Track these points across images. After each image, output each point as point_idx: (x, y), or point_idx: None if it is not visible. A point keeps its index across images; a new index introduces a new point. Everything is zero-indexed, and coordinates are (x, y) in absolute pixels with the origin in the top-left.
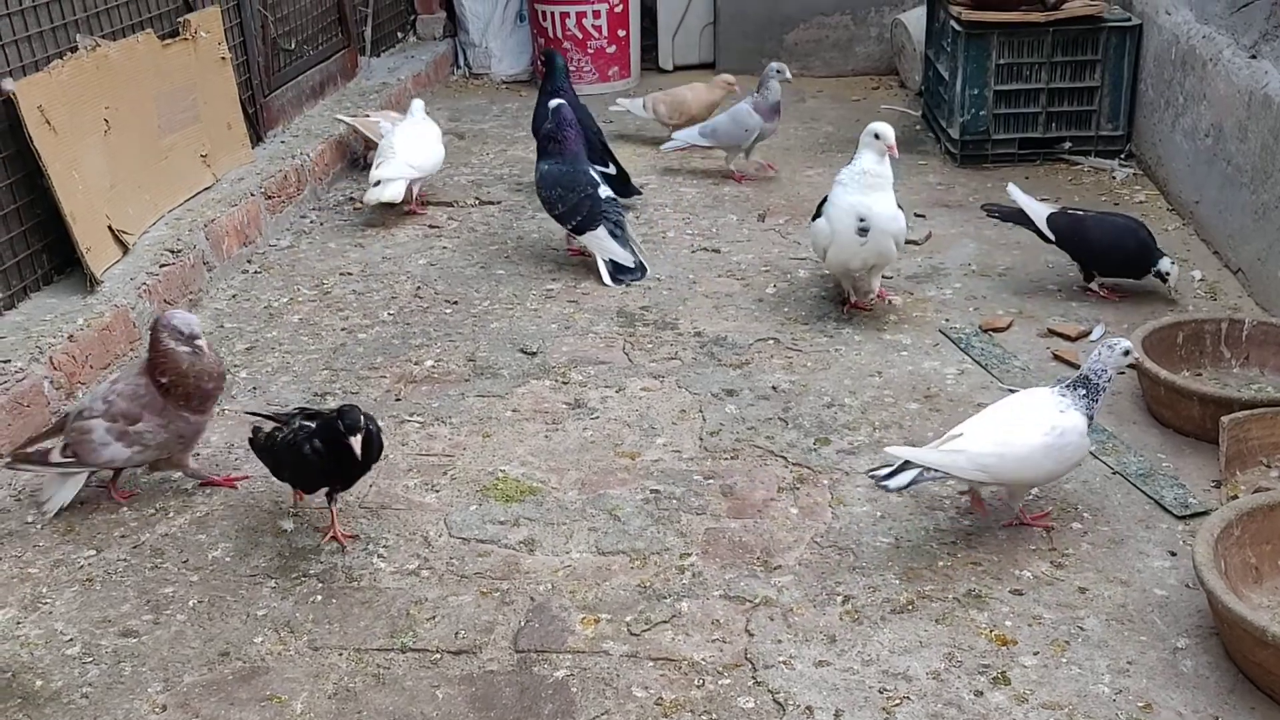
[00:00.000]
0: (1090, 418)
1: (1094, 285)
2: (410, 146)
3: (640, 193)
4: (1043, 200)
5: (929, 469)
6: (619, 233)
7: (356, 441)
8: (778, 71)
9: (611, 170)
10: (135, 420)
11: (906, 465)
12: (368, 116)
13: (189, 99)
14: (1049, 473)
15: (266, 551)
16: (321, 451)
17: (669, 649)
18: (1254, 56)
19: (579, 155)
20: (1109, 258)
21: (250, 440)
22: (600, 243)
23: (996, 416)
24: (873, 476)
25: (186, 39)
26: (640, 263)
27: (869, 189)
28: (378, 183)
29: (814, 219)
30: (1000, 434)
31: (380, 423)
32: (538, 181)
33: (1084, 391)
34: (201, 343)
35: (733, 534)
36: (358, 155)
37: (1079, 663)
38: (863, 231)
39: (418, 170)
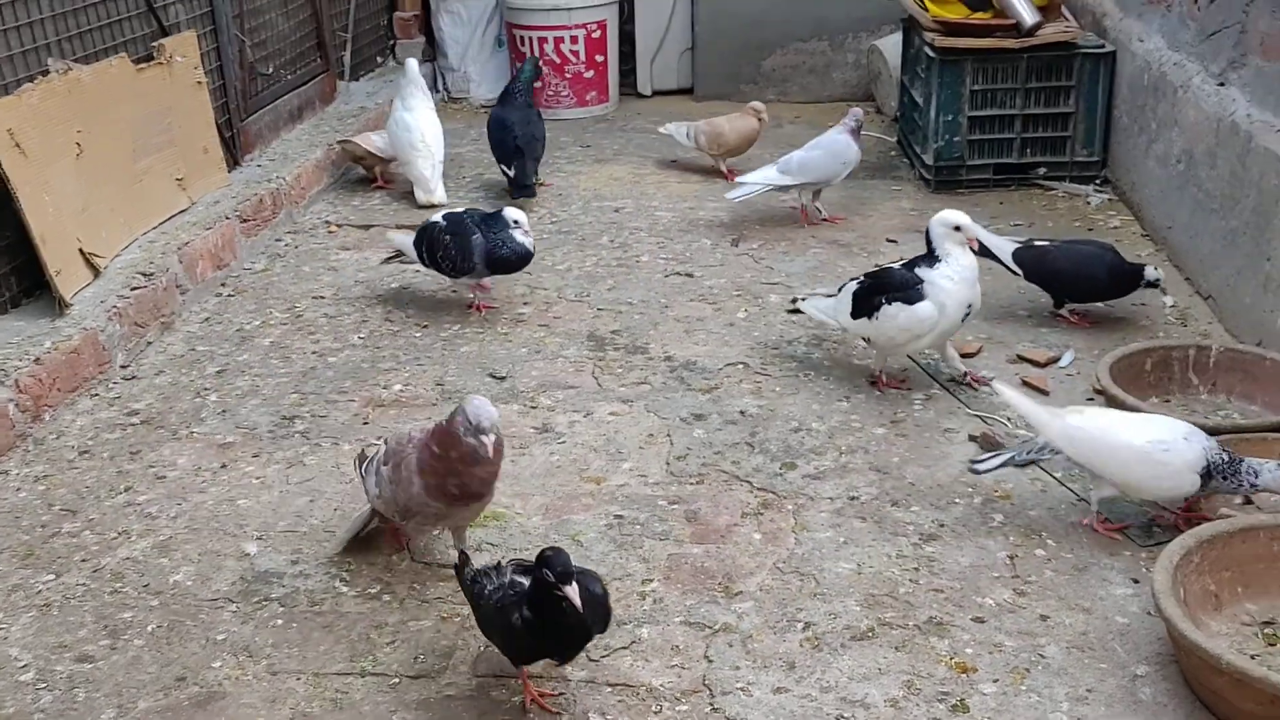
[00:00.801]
0: (1208, 475)
1: (1064, 311)
2: (436, 137)
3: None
4: (1014, 227)
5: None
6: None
7: (573, 592)
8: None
9: (512, 172)
10: (393, 463)
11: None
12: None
13: (164, 122)
14: (1134, 479)
15: (229, 575)
16: (532, 622)
17: (627, 675)
18: (1222, 84)
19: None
20: (1078, 287)
21: (456, 571)
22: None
23: (1131, 416)
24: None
25: (161, 63)
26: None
27: (974, 283)
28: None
29: (866, 313)
30: (1108, 422)
31: (346, 446)
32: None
33: (1228, 466)
34: (488, 440)
35: (695, 560)
36: (368, 174)
37: (1038, 690)
38: (965, 317)
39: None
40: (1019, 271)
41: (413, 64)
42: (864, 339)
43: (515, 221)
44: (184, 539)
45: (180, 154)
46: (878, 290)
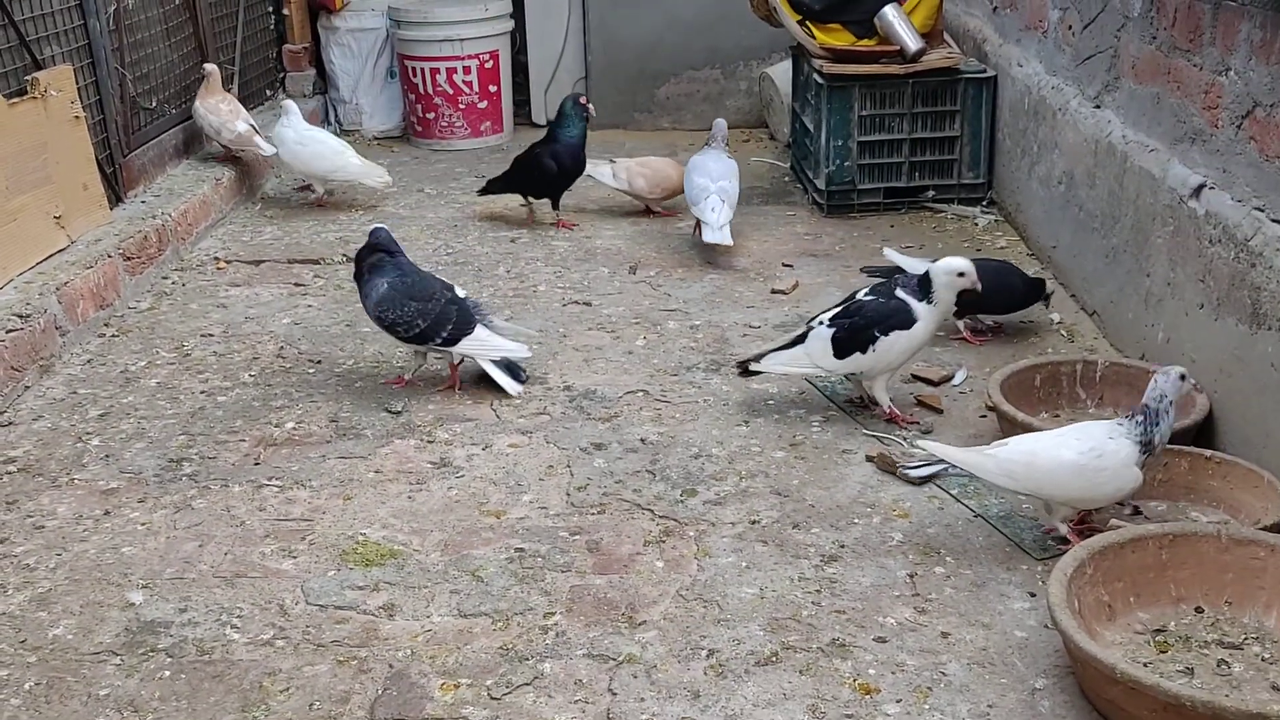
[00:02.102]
0: (1147, 445)
1: (961, 325)
2: None
3: None
4: (906, 249)
5: (954, 466)
6: (492, 323)
7: None
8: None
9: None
10: None
11: (934, 460)
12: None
13: (39, 159)
14: (1080, 492)
15: (112, 627)
16: None
17: (530, 712)
18: (1098, 106)
19: (413, 265)
20: (998, 299)
21: None
22: (485, 344)
23: (1047, 434)
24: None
25: (36, 97)
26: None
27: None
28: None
29: (859, 349)
30: (1034, 445)
31: (237, 488)
32: (378, 306)
33: (1141, 419)
34: None
35: (598, 591)
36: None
37: (941, 708)
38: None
39: None
40: None
41: (290, 103)
42: (850, 374)
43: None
44: (64, 590)
45: (58, 191)
46: (867, 326)
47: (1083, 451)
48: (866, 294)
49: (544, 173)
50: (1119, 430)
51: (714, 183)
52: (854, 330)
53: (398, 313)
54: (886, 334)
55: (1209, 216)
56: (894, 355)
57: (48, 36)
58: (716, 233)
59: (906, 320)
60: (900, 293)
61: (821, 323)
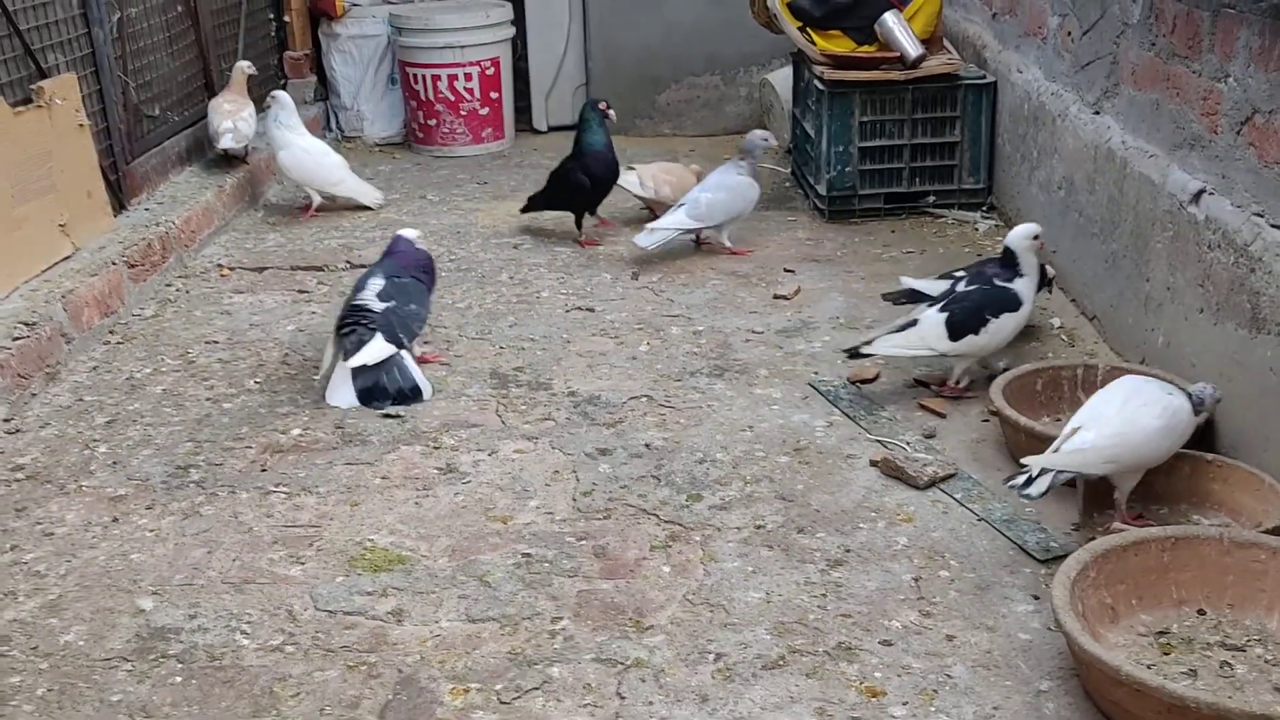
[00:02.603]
0: (1199, 404)
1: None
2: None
3: None
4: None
5: (1062, 472)
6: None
7: None
8: (764, 139)
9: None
10: None
11: (1043, 472)
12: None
13: (44, 167)
14: (1166, 452)
15: (123, 633)
16: None
17: (540, 716)
18: (1097, 112)
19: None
20: None
21: None
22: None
23: (1109, 408)
24: (1011, 486)
25: (40, 106)
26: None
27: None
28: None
29: (972, 331)
30: (1119, 424)
31: (244, 495)
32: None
33: (1185, 394)
34: None
35: (605, 595)
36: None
37: (947, 711)
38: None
39: None
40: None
41: (284, 95)
42: (956, 354)
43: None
44: (74, 597)
45: (62, 199)
46: (979, 310)
47: (1160, 414)
48: (968, 285)
49: (578, 188)
50: (1169, 386)
51: (700, 192)
52: (967, 314)
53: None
54: (997, 316)
55: (1208, 222)
56: (1004, 336)
57: (52, 45)
58: (643, 234)
59: (1015, 303)
60: (998, 280)
61: (931, 306)
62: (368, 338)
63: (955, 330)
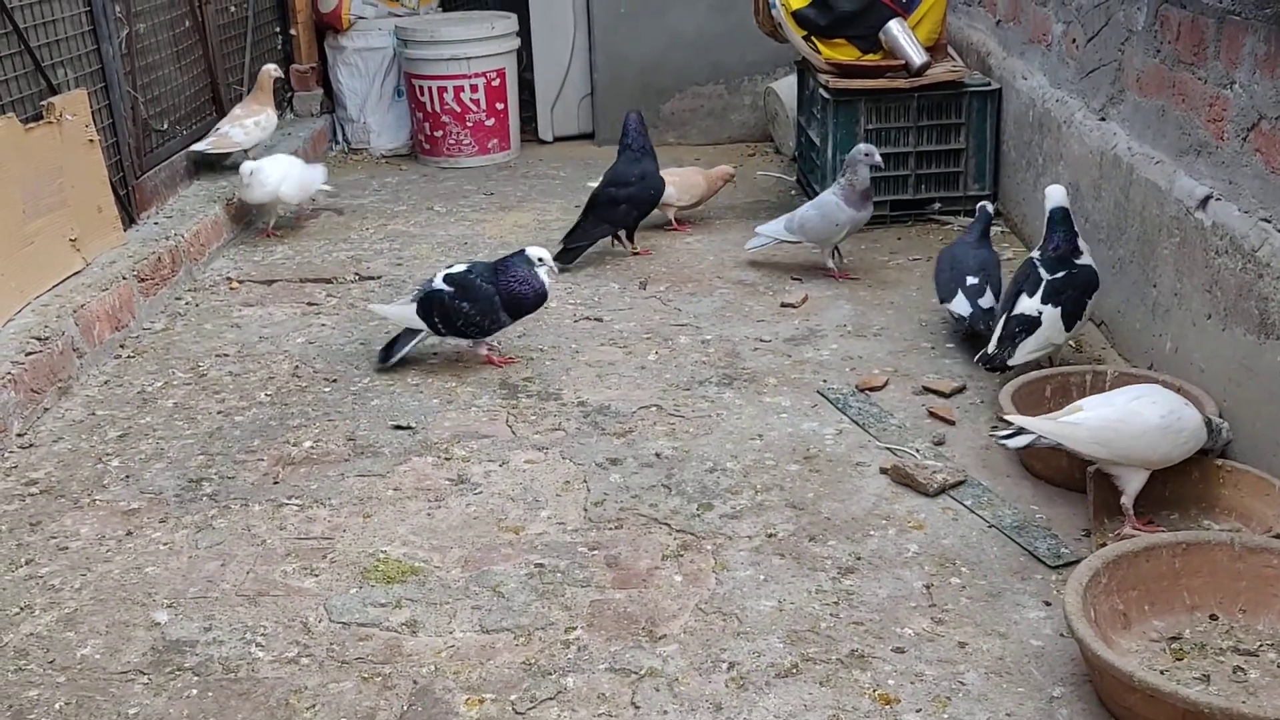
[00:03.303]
0: (1212, 432)
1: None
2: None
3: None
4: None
5: (1043, 437)
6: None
7: None
8: (865, 155)
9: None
10: None
11: (1023, 430)
12: (220, 135)
13: (55, 183)
14: (1164, 455)
15: (139, 646)
16: None
17: None
18: (1103, 119)
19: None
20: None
21: None
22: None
23: (1118, 398)
24: (993, 436)
25: (51, 122)
26: None
27: None
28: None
29: (1079, 316)
30: (1119, 410)
31: (257, 507)
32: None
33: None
34: None
35: (618, 605)
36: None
37: (960, 718)
38: None
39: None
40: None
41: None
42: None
43: (540, 259)
44: (90, 611)
45: (73, 214)
46: (1081, 296)
47: (1165, 415)
48: (1050, 276)
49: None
50: (1187, 401)
51: (804, 208)
52: (1075, 303)
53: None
54: (1090, 296)
55: (1216, 228)
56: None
57: (62, 62)
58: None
59: (1096, 280)
60: (1075, 259)
61: (1040, 311)
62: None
63: (1070, 321)
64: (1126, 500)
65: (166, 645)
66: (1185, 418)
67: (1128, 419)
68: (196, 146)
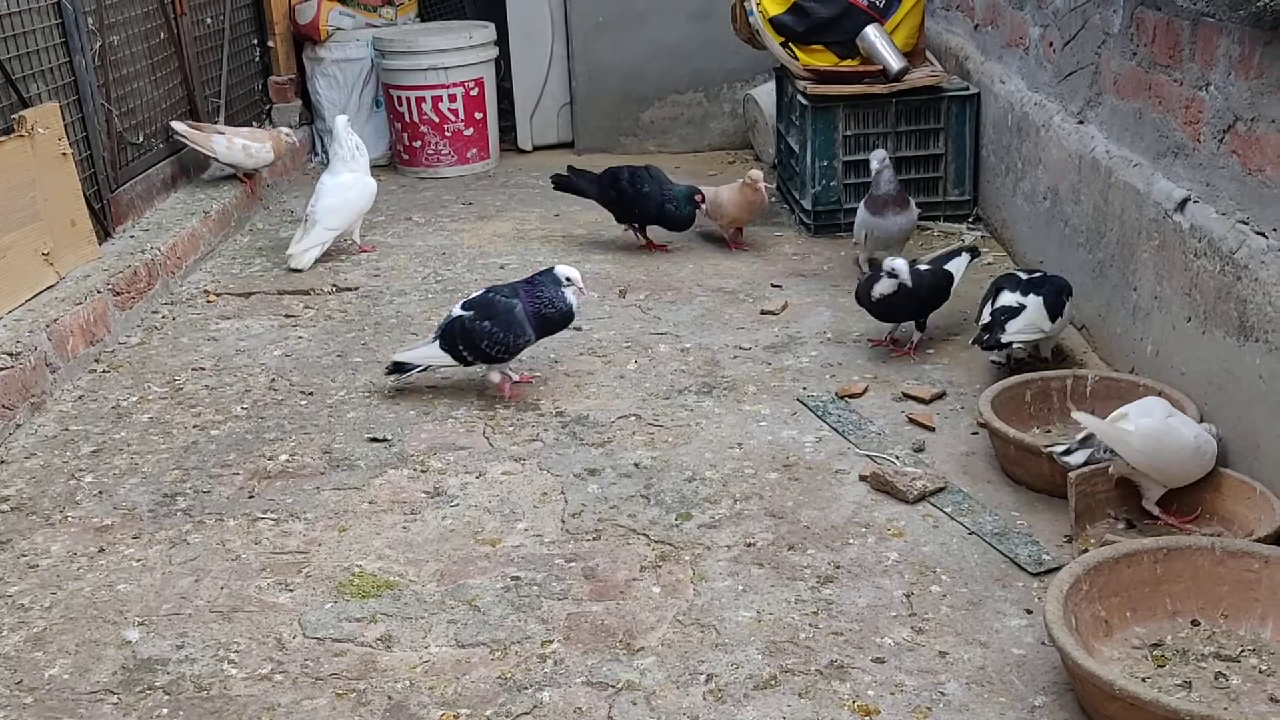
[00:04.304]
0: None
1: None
2: (328, 212)
3: None
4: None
5: (1102, 454)
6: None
7: None
8: (880, 160)
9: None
10: None
11: (1085, 443)
12: (201, 131)
13: (27, 196)
14: (1189, 475)
15: (109, 665)
16: None
17: None
18: (1081, 122)
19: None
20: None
21: None
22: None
23: (1155, 412)
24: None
25: (23, 135)
26: None
27: None
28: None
29: (1062, 311)
30: (1161, 427)
31: (232, 522)
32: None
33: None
34: None
35: (595, 617)
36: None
37: None
38: None
39: (337, 230)
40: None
41: (342, 121)
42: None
43: (568, 279)
44: (60, 630)
45: (46, 228)
46: (1060, 293)
47: (1195, 434)
48: (1027, 275)
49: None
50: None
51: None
52: (1054, 296)
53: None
54: (1067, 297)
55: (1194, 230)
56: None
57: (33, 74)
58: None
59: (1069, 285)
60: (1043, 270)
61: (1022, 302)
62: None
63: (1054, 311)
64: (1150, 504)
65: (137, 664)
66: (1208, 442)
67: (1169, 435)
68: (177, 124)
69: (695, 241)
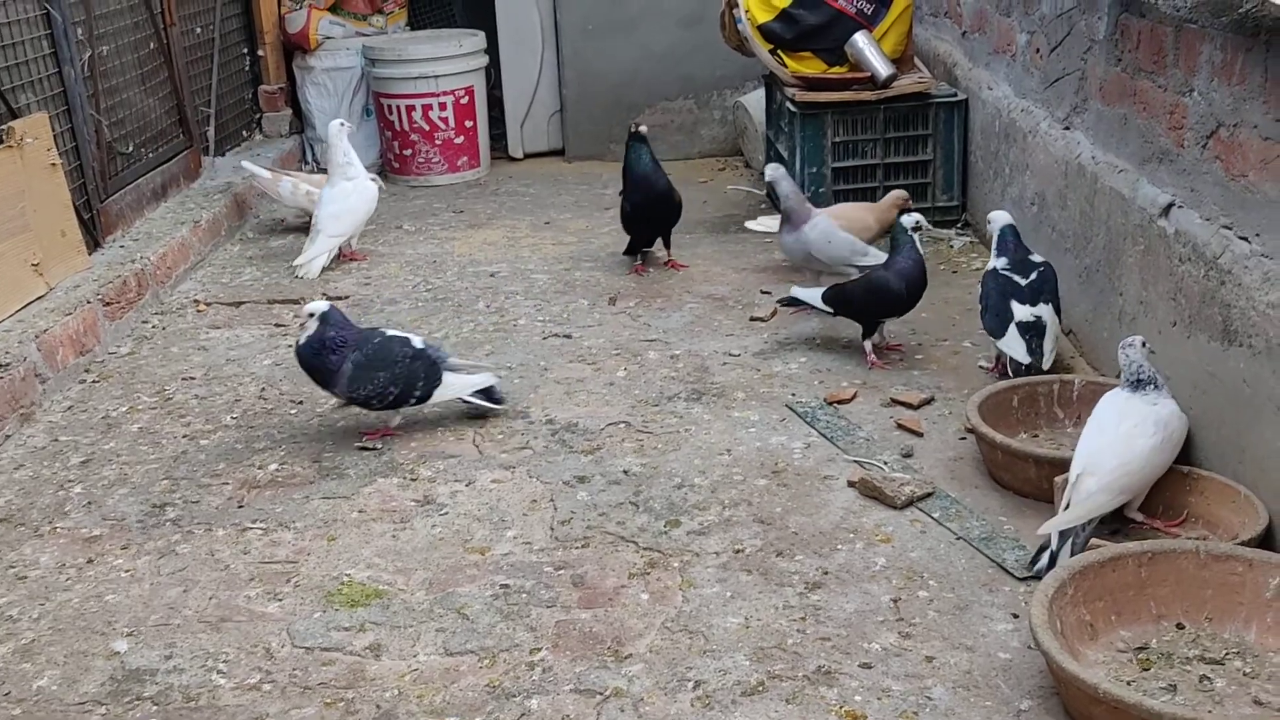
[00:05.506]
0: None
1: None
2: (331, 220)
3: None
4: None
5: (1084, 527)
6: (453, 364)
7: None
8: (772, 172)
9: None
10: None
11: (1064, 536)
12: (271, 173)
13: (17, 207)
14: (1167, 462)
15: (97, 676)
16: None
17: None
18: (1067, 128)
19: (363, 331)
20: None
21: None
22: (455, 386)
23: (1102, 439)
24: (1036, 571)
25: (11, 146)
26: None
27: None
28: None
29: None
30: (1118, 456)
31: (221, 531)
32: (349, 385)
33: (1152, 384)
34: None
35: (583, 625)
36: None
37: None
38: None
39: (342, 236)
40: (831, 310)
41: (335, 126)
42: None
43: (310, 314)
44: (48, 641)
45: (36, 238)
46: (1056, 286)
47: (1154, 432)
48: (1025, 279)
49: (624, 217)
50: (1151, 397)
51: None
52: (1055, 295)
53: (368, 389)
54: (1056, 278)
55: (1178, 235)
56: None
57: (23, 85)
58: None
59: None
60: (1031, 259)
61: (1038, 314)
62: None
63: (1059, 313)
64: (1133, 511)
65: (126, 675)
66: (1167, 419)
67: (1129, 458)
68: (247, 164)
69: (684, 249)
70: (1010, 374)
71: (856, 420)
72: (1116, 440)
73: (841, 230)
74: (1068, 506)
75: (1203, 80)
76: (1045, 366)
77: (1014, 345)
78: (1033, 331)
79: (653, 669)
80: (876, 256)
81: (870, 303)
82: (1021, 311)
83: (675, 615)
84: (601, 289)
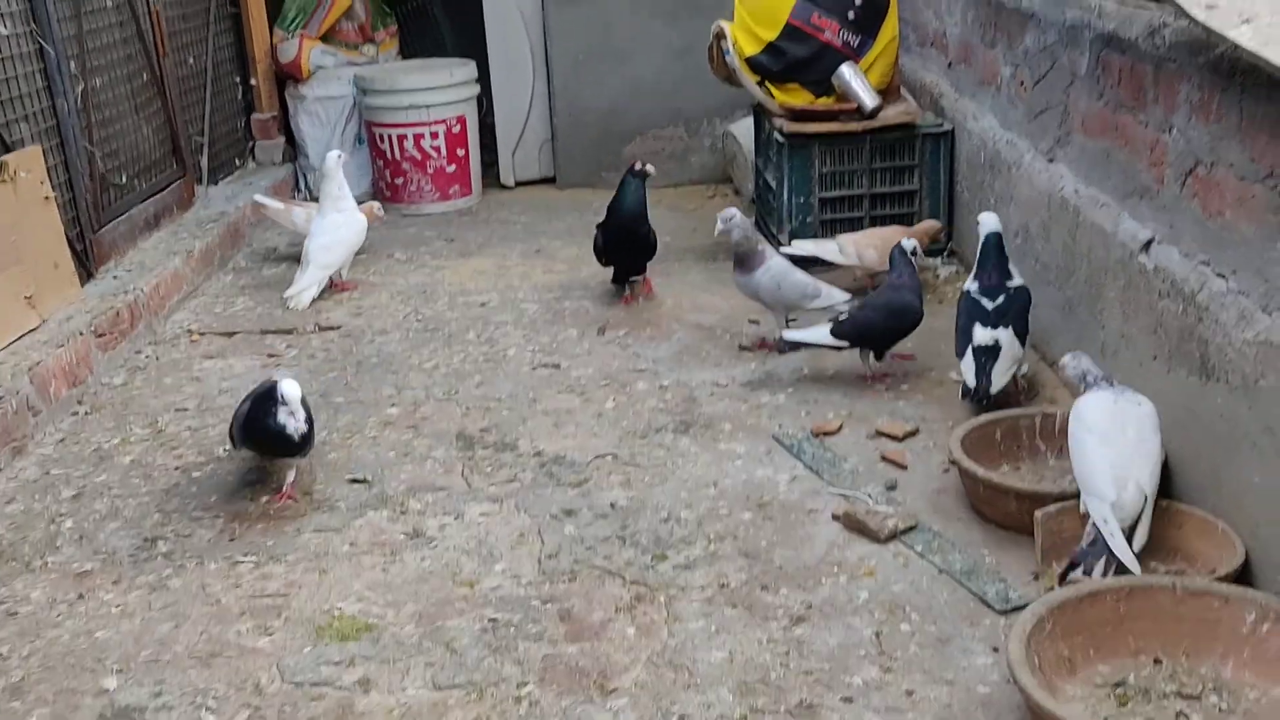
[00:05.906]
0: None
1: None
2: (321, 251)
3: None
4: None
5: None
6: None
7: None
8: (725, 220)
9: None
10: None
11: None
12: (285, 204)
13: (10, 240)
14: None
15: (86, 715)
16: None
17: None
18: (1051, 160)
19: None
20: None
21: None
22: None
23: (1113, 453)
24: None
25: (5, 180)
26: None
27: None
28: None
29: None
30: (1139, 465)
31: (212, 565)
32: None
33: (1109, 381)
34: None
35: (570, 659)
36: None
37: None
38: None
39: (332, 267)
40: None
41: (332, 157)
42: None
43: (283, 396)
44: (37, 679)
45: (28, 271)
46: (1026, 311)
47: (1156, 429)
48: (993, 304)
49: (595, 247)
50: (1131, 396)
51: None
52: (1020, 320)
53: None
54: (1029, 312)
55: (1158, 271)
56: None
57: (16, 119)
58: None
59: (1030, 296)
60: (1008, 283)
61: (996, 338)
62: None
63: (1021, 339)
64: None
65: (115, 713)
66: (1153, 414)
67: (1155, 458)
68: (259, 197)
69: (674, 278)
70: (961, 397)
71: (842, 452)
72: (1139, 444)
73: (796, 274)
74: (1106, 522)
75: (1181, 118)
76: (994, 391)
77: (966, 368)
78: (987, 355)
79: (638, 703)
80: (829, 296)
81: (893, 326)
82: (981, 335)
83: (660, 649)
84: (591, 318)
